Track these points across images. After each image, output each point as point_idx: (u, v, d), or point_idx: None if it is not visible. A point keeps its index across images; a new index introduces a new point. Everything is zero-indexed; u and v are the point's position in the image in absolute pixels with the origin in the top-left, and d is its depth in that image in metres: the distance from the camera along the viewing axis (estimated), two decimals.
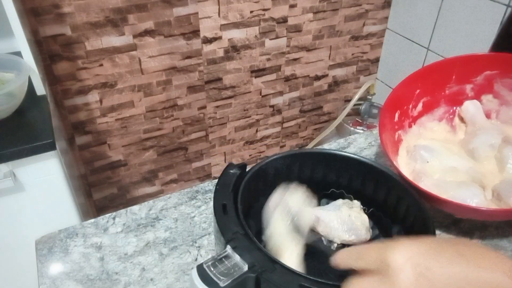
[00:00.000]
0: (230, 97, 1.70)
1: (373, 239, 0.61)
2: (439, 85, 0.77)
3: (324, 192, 0.66)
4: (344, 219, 0.60)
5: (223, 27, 1.51)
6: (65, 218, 1.07)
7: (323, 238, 0.62)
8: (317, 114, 2.00)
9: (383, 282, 0.36)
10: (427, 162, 0.70)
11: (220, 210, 0.50)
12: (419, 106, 0.77)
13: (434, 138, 0.76)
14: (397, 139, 0.75)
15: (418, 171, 0.69)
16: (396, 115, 0.74)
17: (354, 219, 0.60)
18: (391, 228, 0.60)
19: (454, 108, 0.79)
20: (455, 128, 0.78)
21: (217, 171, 1.89)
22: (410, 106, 0.76)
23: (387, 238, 0.60)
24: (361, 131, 1.69)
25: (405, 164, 0.71)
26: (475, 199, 0.62)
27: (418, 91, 0.75)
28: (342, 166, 0.63)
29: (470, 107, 0.77)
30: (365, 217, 0.61)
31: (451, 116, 0.79)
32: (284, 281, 0.43)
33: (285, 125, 1.94)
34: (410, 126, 0.77)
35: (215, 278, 0.41)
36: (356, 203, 0.63)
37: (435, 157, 0.70)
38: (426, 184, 0.65)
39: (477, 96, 0.77)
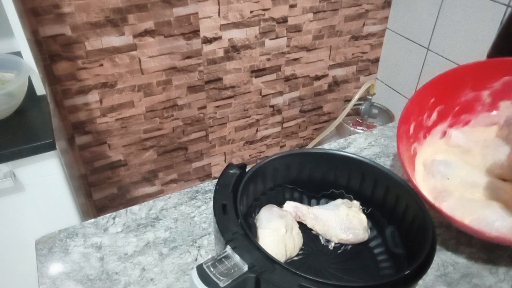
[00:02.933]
0: (230, 97, 1.70)
1: (371, 239, 0.61)
2: (455, 92, 0.74)
3: (323, 192, 0.66)
4: (342, 218, 0.60)
5: (223, 27, 1.51)
6: (65, 218, 1.07)
7: (320, 237, 0.62)
8: (317, 114, 2.00)
9: None
10: (447, 179, 0.67)
11: (220, 210, 0.50)
12: (434, 115, 0.74)
13: (449, 147, 0.74)
14: (412, 152, 0.72)
15: (439, 189, 0.67)
16: (411, 127, 0.71)
17: (352, 219, 0.60)
18: (385, 228, 0.61)
19: (469, 115, 0.76)
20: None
21: (217, 171, 1.89)
22: (425, 116, 0.73)
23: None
24: (361, 131, 1.69)
25: (423, 180, 0.69)
26: (503, 222, 0.60)
27: (432, 99, 0.73)
28: (342, 166, 0.63)
29: (459, 136, 0.75)
30: (363, 217, 0.61)
31: (465, 124, 0.77)
32: (284, 281, 0.43)
33: (285, 125, 1.94)
34: (425, 137, 0.74)
35: (215, 279, 0.41)
36: (356, 203, 0.63)
37: (455, 172, 0.68)
38: (450, 205, 0.64)
39: (494, 102, 0.75)
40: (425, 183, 0.69)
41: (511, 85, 0.72)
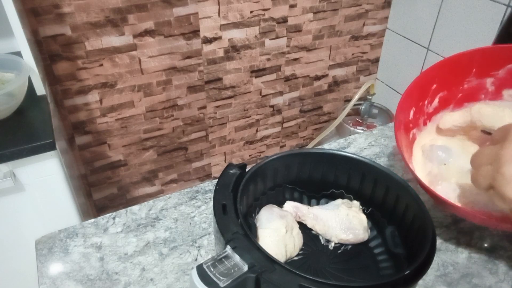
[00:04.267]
0: (230, 97, 1.70)
1: (371, 239, 0.61)
2: (458, 79, 0.73)
3: (323, 192, 0.66)
4: (342, 218, 0.60)
5: (223, 27, 1.51)
6: (65, 218, 1.07)
7: (320, 237, 0.62)
8: (317, 114, 2.00)
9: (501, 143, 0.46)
10: (444, 164, 0.67)
11: (220, 210, 0.50)
12: (435, 102, 0.73)
13: (450, 133, 0.73)
14: (411, 138, 0.71)
15: (435, 174, 0.66)
16: (411, 112, 0.70)
17: (352, 219, 0.60)
18: (385, 228, 0.61)
19: (471, 103, 0.74)
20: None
21: (217, 171, 1.89)
22: (426, 102, 0.72)
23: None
24: (361, 131, 1.69)
25: (421, 165, 0.69)
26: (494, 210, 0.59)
27: (434, 86, 0.71)
28: (342, 166, 0.63)
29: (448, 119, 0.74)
30: (363, 217, 0.61)
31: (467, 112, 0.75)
32: (284, 281, 0.43)
33: (285, 125, 1.94)
34: (425, 124, 0.74)
35: (215, 279, 0.41)
36: (356, 203, 0.63)
37: (453, 158, 0.67)
38: (445, 189, 0.63)
39: (497, 91, 0.73)
40: (422, 168, 0.68)
41: None
